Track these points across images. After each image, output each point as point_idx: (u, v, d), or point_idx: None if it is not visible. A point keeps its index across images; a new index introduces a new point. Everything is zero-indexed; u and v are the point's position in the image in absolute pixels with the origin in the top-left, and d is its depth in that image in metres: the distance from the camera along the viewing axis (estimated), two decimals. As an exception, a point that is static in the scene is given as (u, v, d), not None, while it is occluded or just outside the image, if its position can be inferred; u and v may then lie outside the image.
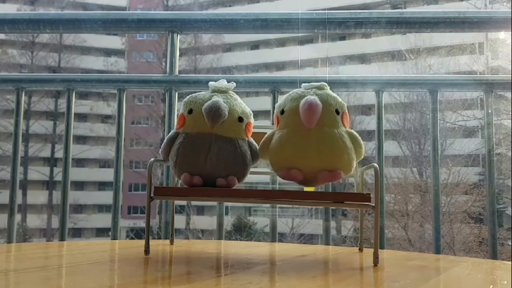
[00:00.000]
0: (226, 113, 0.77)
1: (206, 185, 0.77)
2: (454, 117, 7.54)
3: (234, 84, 0.83)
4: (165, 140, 0.80)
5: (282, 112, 0.78)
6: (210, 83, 0.82)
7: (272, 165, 0.78)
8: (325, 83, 0.80)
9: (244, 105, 0.82)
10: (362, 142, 0.77)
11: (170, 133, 0.81)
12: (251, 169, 0.82)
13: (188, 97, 0.82)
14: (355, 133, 0.77)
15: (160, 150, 0.81)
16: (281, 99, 0.81)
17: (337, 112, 0.76)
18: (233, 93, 0.83)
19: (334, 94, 0.79)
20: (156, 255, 0.80)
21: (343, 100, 0.79)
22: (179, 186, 0.89)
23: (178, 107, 1.14)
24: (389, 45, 8.79)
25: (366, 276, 0.67)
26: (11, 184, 1.31)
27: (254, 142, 0.82)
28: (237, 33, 1.35)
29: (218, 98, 0.78)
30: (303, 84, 0.80)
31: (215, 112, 0.75)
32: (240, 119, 0.80)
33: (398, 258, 0.86)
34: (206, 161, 0.76)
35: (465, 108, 7.49)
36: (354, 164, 0.77)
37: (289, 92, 0.80)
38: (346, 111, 0.78)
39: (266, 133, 0.90)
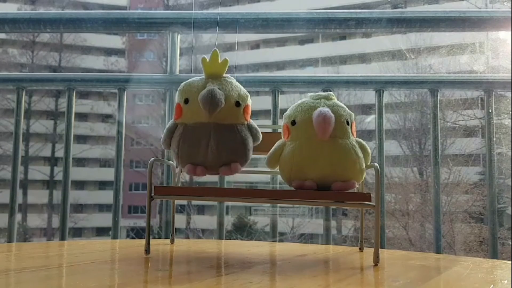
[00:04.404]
0: (223, 100, 0.76)
1: (210, 174, 0.77)
2: (455, 116, 7.53)
3: (228, 59, 0.81)
4: (164, 132, 0.80)
5: (293, 123, 0.78)
6: (203, 57, 0.80)
7: (284, 175, 0.78)
8: (332, 93, 0.80)
9: (240, 87, 0.81)
10: (369, 150, 0.78)
11: (168, 124, 0.80)
12: (252, 169, 0.82)
13: (182, 85, 0.81)
14: (363, 142, 0.78)
15: (161, 141, 0.81)
16: (289, 108, 0.80)
17: (347, 123, 0.77)
18: (228, 76, 0.81)
19: (342, 104, 0.79)
20: (156, 254, 0.80)
21: (344, 99, 0.79)
22: (179, 185, 0.89)
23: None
24: (389, 45, 8.78)
25: (366, 276, 0.67)
26: (11, 183, 1.31)
27: (254, 125, 0.81)
28: (238, 33, 1.35)
29: (213, 86, 0.77)
30: (310, 94, 0.80)
31: (211, 101, 0.74)
32: (237, 104, 0.79)
33: (399, 258, 0.86)
34: (208, 151, 0.76)
35: (465, 108, 7.48)
36: (365, 172, 0.78)
37: (298, 102, 0.79)
38: (354, 120, 0.79)
39: (266, 132, 0.90)
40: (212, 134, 0.76)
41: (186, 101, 0.79)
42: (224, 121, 0.77)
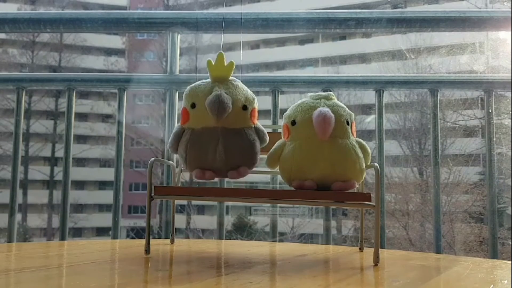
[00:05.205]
0: (230, 105, 0.75)
1: (219, 177, 0.78)
2: (455, 116, 7.53)
3: (234, 62, 0.79)
4: (171, 136, 0.79)
5: (293, 123, 0.78)
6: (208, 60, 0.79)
7: (284, 175, 0.78)
8: (332, 93, 0.80)
9: (246, 89, 0.80)
10: (369, 149, 0.78)
11: (175, 129, 0.80)
12: (252, 169, 0.82)
13: (188, 89, 0.80)
14: (363, 142, 0.78)
15: (168, 145, 0.80)
16: (289, 108, 0.80)
17: (347, 123, 0.77)
18: (234, 78, 0.80)
19: (342, 104, 0.79)
20: (156, 254, 0.80)
21: (344, 99, 0.80)
22: (179, 185, 0.89)
23: (179, 107, 1.14)
24: (389, 45, 8.79)
25: (366, 276, 0.67)
26: (11, 183, 1.31)
27: (261, 127, 0.81)
28: (238, 33, 1.35)
29: (220, 91, 0.76)
30: (310, 94, 0.80)
31: (219, 106, 0.74)
32: (245, 107, 0.78)
33: (399, 258, 0.86)
34: (216, 156, 0.76)
35: (465, 108, 7.48)
36: (365, 172, 0.78)
37: (298, 102, 0.79)
38: (354, 120, 0.79)
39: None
40: (220, 139, 0.76)
41: (193, 105, 0.78)
42: (231, 126, 0.77)
